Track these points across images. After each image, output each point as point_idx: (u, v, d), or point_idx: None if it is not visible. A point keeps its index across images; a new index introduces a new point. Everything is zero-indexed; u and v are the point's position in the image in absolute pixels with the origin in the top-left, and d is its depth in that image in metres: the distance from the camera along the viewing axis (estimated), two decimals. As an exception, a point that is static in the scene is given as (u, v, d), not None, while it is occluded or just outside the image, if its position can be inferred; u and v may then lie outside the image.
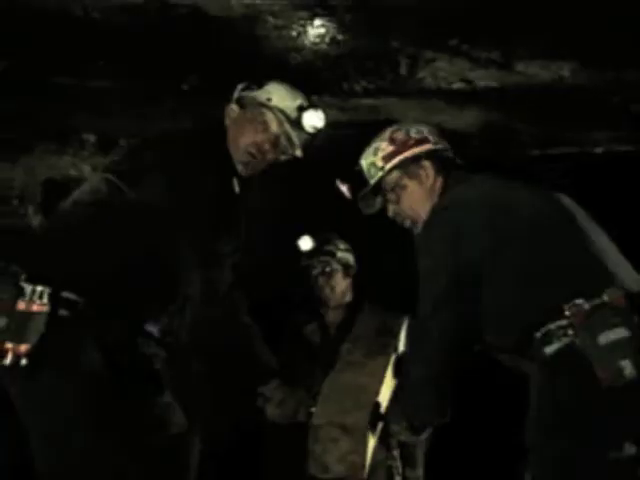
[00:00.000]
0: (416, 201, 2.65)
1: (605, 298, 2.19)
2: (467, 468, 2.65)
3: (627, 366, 2.12)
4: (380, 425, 2.76)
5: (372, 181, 2.69)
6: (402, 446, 3.43)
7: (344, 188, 3.35)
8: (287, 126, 2.60)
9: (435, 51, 3.27)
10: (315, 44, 3.19)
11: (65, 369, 2.32)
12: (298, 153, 2.67)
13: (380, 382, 2.83)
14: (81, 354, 2.34)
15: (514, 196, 2.52)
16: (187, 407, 2.77)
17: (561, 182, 2.66)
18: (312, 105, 2.66)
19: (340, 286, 3.61)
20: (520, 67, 3.39)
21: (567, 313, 2.19)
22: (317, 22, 3.01)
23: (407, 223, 2.70)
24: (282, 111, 2.59)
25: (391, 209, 2.71)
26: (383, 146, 2.70)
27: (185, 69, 3.49)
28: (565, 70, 3.40)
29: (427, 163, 2.66)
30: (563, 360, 2.21)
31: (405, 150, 2.67)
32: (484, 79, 3.50)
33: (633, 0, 2.77)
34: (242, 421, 3.54)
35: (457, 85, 3.55)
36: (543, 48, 3.25)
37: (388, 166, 2.66)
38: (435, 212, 2.56)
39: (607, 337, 2.14)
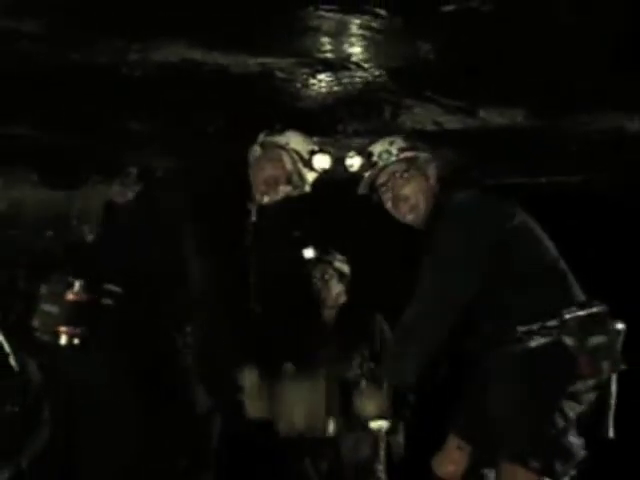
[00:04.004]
0: (419, 192, 2.51)
1: (594, 310, 2.27)
2: (442, 434, 2.65)
3: (606, 366, 2.24)
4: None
5: (382, 164, 2.53)
6: (385, 418, 3.47)
7: None
8: (300, 165, 2.64)
9: (413, 100, 3.28)
10: (315, 94, 3.21)
11: (108, 345, 2.40)
12: (307, 189, 2.72)
13: None
14: (125, 335, 2.41)
15: (508, 207, 2.47)
16: (211, 393, 2.79)
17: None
18: (321, 150, 2.70)
19: (335, 289, 3.64)
20: (482, 113, 3.42)
21: (566, 317, 2.24)
22: (317, 76, 3.03)
23: (403, 210, 2.54)
24: (297, 152, 2.64)
25: (390, 195, 2.54)
26: (399, 141, 2.58)
27: (210, 115, 3.53)
28: (518, 116, 3.44)
29: (433, 168, 2.57)
30: (549, 352, 2.25)
31: (418, 151, 2.58)
32: (452, 123, 3.53)
33: (569, 62, 2.84)
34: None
35: (430, 127, 3.58)
36: (500, 98, 3.28)
37: (402, 155, 2.53)
38: (451, 211, 2.43)
39: (594, 340, 2.23)
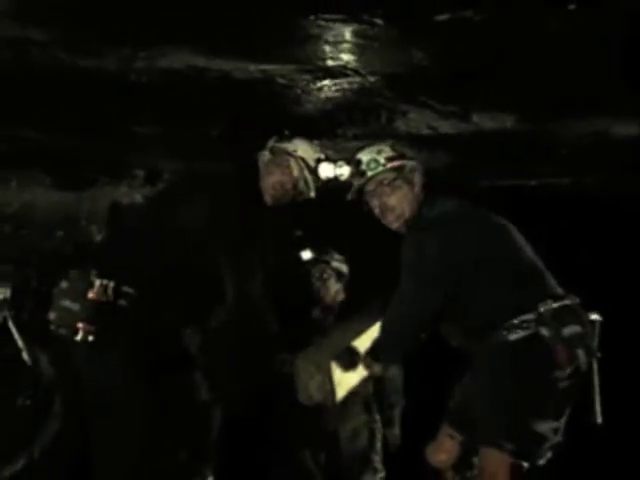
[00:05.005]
0: (405, 201, 2.60)
1: (567, 302, 2.34)
2: (435, 427, 2.70)
3: (581, 354, 2.29)
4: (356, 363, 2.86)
5: (370, 173, 2.62)
6: (381, 410, 3.50)
7: None
8: (306, 172, 2.70)
9: (408, 105, 3.30)
10: (315, 99, 3.22)
11: (121, 346, 2.42)
12: (312, 195, 2.76)
13: (357, 335, 2.94)
14: (133, 336, 2.44)
15: (487, 214, 2.56)
16: (214, 383, 2.83)
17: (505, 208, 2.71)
18: (327, 159, 2.75)
19: (333, 288, 3.64)
20: (475, 118, 3.44)
21: (541, 310, 2.30)
22: (317, 83, 3.05)
23: (389, 219, 2.63)
24: (304, 160, 2.69)
25: (378, 204, 2.63)
26: (387, 150, 2.65)
27: (214, 119, 3.54)
28: (510, 120, 3.46)
29: (418, 175, 2.65)
30: (527, 344, 2.32)
31: (405, 159, 2.65)
32: (446, 127, 3.54)
33: (559, 69, 2.86)
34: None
35: (425, 131, 3.60)
36: (493, 103, 3.30)
37: (389, 165, 2.61)
38: (432, 220, 2.53)
39: (569, 331, 2.28)
